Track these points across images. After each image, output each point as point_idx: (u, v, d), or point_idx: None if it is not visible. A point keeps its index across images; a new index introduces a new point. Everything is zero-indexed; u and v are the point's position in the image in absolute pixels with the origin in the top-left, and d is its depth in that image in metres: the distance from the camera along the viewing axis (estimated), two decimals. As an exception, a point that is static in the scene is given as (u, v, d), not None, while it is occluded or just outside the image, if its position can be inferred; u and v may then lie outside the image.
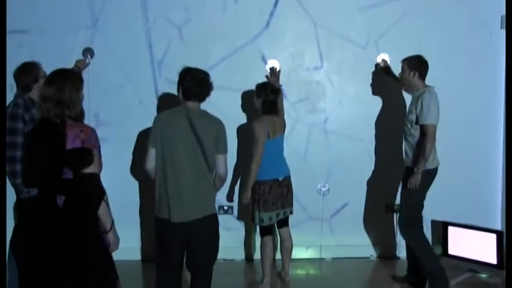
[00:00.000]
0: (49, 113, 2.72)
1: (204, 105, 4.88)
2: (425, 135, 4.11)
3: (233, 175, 5.07)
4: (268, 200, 4.24)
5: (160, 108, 4.82)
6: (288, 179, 4.38)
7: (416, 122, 4.16)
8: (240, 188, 4.97)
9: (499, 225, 5.15)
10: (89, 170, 2.71)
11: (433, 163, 4.23)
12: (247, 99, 4.92)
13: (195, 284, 3.51)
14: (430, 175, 4.24)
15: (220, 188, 3.63)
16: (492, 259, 4.65)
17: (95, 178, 2.76)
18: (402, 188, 4.38)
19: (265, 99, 4.27)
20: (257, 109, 4.36)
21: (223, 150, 3.45)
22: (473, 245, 4.81)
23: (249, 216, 4.41)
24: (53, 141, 2.71)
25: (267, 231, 4.35)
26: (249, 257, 5.19)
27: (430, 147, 4.11)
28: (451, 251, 4.94)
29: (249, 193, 4.26)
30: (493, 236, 4.66)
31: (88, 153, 2.71)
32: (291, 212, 4.45)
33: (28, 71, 4.14)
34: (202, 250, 3.40)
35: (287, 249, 4.50)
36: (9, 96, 4.30)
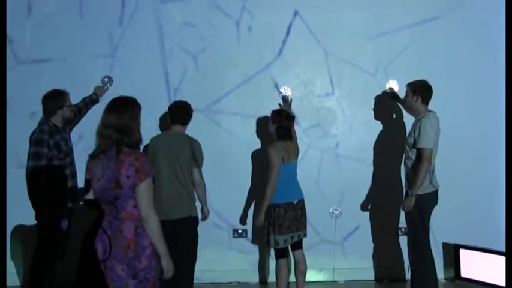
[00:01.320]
0: (110, 139, 2.84)
1: (220, 132, 5.14)
2: (421, 158, 4.18)
3: (247, 199, 5.18)
4: (283, 223, 4.31)
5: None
6: (301, 202, 4.45)
7: (414, 146, 4.26)
8: (254, 211, 5.05)
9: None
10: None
11: (432, 186, 4.31)
12: (260, 125, 5.06)
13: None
14: (430, 198, 4.32)
15: (203, 193, 4.39)
16: (503, 281, 4.70)
17: (90, 206, 2.90)
18: (405, 212, 4.42)
19: (280, 126, 4.38)
20: (271, 134, 4.46)
21: (197, 164, 4.31)
22: (485, 268, 4.87)
23: (264, 239, 4.48)
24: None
25: (281, 253, 4.41)
26: (263, 280, 5.23)
27: (425, 170, 4.17)
28: (464, 273, 5.01)
29: (263, 216, 4.35)
30: (503, 259, 4.71)
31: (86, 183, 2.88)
32: (305, 235, 4.51)
33: (55, 97, 4.38)
34: (185, 246, 4.17)
35: (301, 272, 4.53)
36: (31, 124, 4.47)
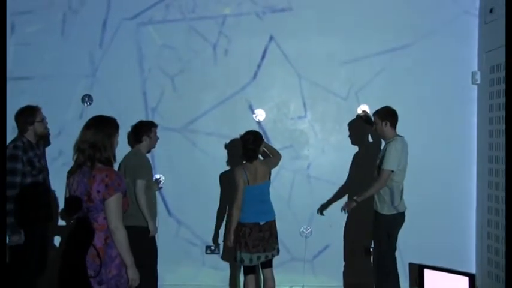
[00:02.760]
0: (84, 154, 3.06)
1: (196, 152, 5.24)
2: (379, 177, 4.49)
3: (218, 218, 5.33)
4: (248, 243, 4.43)
5: (154, 151, 5.10)
6: (270, 223, 4.54)
7: (379, 167, 4.52)
8: (225, 230, 5.21)
9: (473, 267, 5.35)
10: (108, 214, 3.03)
11: (394, 209, 4.52)
12: (235, 145, 5.17)
13: None
14: (395, 219, 4.54)
15: (142, 206, 4.43)
16: (465, 301, 4.87)
17: (81, 222, 3.07)
18: (373, 232, 4.65)
19: (245, 147, 4.53)
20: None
21: (136, 177, 4.48)
22: (447, 287, 5.03)
23: (233, 256, 4.62)
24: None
25: (249, 270, 4.55)
26: (234, 295, 5.38)
27: (378, 187, 4.53)
28: (427, 292, 5.17)
29: (232, 236, 4.49)
30: (466, 279, 4.89)
31: (75, 201, 3.04)
32: (273, 255, 4.59)
33: (26, 114, 4.40)
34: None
35: (270, 289, 4.67)
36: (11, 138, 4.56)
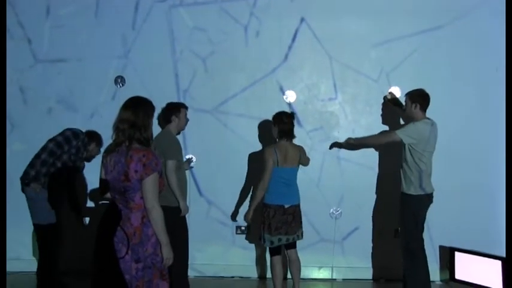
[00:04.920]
0: (124, 133, 3.11)
1: (227, 133, 5.29)
2: (386, 134, 4.80)
3: (243, 197, 5.38)
4: (272, 224, 4.46)
5: (185, 132, 5.19)
6: (294, 207, 4.54)
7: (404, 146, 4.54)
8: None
9: (503, 251, 5.31)
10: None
11: (421, 190, 4.50)
12: (264, 127, 5.23)
13: None
14: (421, 199, 4.52)
15: (173, 185, 4.42)
16: (497, 285, 4.84)
17: (108, 205, 3.18)
18: (399, 213, 4.64)
19: (281, 126, 4.54)
20: (275, 138, 4.63)
21: (166, 158, 4.44)
22: (479, 271, 5.01)
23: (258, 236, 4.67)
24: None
25: (274, 251, 4.58)
26: (262, 275, 5.44)
27: (372, 141, 5.14)
28: (458, 275, 5.15)
29: (251, 213, 4.54)
30: (498, 263, 4.87)
31: (103, 183, 3.17)
32: (294, 239, 4.59)
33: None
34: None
35: (295, 269, 4.66)
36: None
